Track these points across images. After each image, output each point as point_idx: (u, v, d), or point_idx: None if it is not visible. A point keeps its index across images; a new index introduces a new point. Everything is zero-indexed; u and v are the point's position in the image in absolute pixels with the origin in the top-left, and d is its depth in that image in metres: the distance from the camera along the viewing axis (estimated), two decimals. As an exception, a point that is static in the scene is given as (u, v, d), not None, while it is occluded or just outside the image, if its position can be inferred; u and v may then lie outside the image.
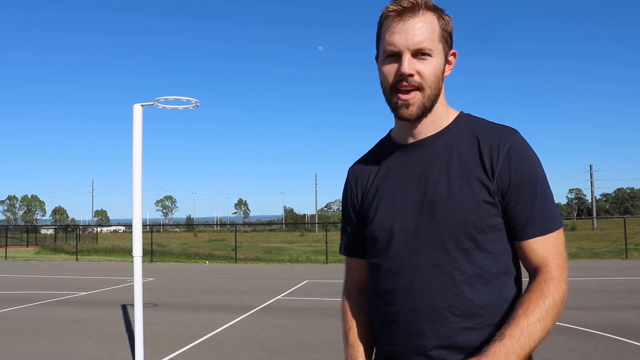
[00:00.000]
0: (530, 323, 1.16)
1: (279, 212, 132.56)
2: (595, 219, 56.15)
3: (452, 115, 1.38)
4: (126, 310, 9.44)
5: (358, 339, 1.45)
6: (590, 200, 75.16)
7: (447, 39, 1.33)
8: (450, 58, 1.36)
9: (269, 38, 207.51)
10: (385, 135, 1.51)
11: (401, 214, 1.33)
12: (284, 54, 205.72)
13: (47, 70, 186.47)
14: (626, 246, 21.02)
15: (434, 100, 1.31)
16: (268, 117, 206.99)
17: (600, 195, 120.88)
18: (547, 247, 1.24)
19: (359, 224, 1.47)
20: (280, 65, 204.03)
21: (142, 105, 6.00)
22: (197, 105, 6.46)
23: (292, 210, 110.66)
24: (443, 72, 1.33)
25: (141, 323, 5.76)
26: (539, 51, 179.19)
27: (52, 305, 10.41)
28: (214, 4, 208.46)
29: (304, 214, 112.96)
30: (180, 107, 6.38)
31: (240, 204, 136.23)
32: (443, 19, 1.31)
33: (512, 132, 1.30)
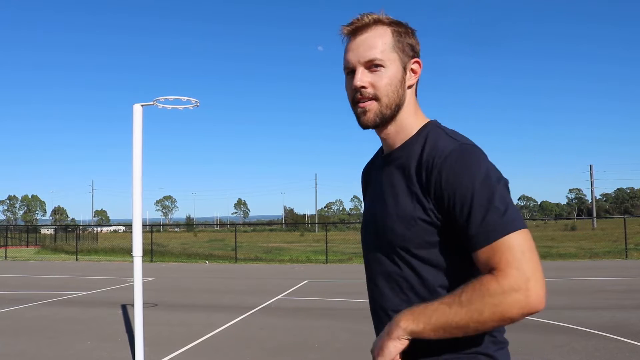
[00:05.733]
0: (454, 302, 1.16)
1: (279, 212, 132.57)
2: (595, 219, 56.13)
3: (419, 126, 1.37)
4: (126, 310, 9.44)
5: None
6: (590, 200, 75.14)
7: (404, 49, 1.34)
8: (414, 67, 1.37)
9: (269, 38, 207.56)
10: None
11: (368, 226, 1.43)
12: (284, 54, 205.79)
13: (47, 70, 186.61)
14: (626, 246, 21.03)
15: (394, 109, 1.33)
16: (268, 117, 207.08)
17: (600, 195, 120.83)
18: (495, 255, 1.17)
19: None
20: (280, 65, 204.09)
21: (142, 105, 6.00)
22: (197, 105, 6.46)
23: (292, 210, 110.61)
24: (402, 81, 1.34)
25: (141, 323, 5.75)
26: (539, 51, 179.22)
27: (52, 305, 10.41)
28: (214, 4, 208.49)
29: (304, 214, 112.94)
30: (180, 107, 6.38)
31: (240, 203, 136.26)
32: (398, 30, 1.34)
33: (454, 144, 1.26)
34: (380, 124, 1.35)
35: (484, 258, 1.18)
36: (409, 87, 1.36)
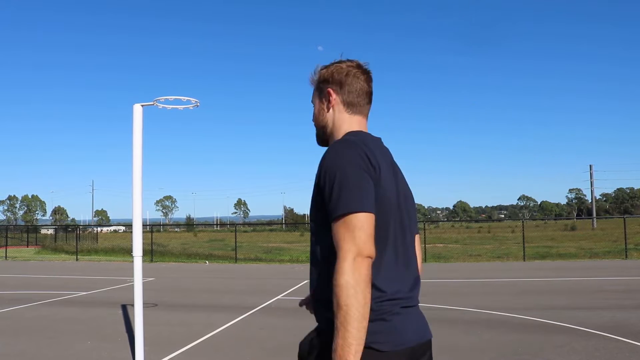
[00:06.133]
0: (335, 308, 1.42)
1: (279, 212, 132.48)
2: (595, 219, 56.09)
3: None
4: (126, 310, 9.44)
5: None
6: (590, 200, 75.10)
7: (319, 87, 1.82)
8: (327, 95, 1.79)
9: (269, 38, 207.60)
10: None
11: None
12: (284, 54, 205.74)
13: (47, 70, 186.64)
14: (626, 246, 21.03)
15: (322, 129, 1.83)
16: (268, 117, 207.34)
17: (600, 195, 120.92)
18: (336, 232, 1.48)
19: None
20: (280, 66, 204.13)
21: (142, 105, 6.00)
22: (197, 105, 6.46)
23: (292, 210, 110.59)
24: (322, 110, 1.81)
25: (141, 323, 5.76)
26: (539, 51, 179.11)
27: (52, 305, 10.41)
28: (214, 4, 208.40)
29: (304, 214, 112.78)
30: (180, 107, 6.37)
31: (240, 203, 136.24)
32: (320, 73, 1.82)
33: (333, 142, 1.63)
34: (324, 142, 1.84)
35: (332, 230, 1.49)
36: (329, 109, 1.78)
